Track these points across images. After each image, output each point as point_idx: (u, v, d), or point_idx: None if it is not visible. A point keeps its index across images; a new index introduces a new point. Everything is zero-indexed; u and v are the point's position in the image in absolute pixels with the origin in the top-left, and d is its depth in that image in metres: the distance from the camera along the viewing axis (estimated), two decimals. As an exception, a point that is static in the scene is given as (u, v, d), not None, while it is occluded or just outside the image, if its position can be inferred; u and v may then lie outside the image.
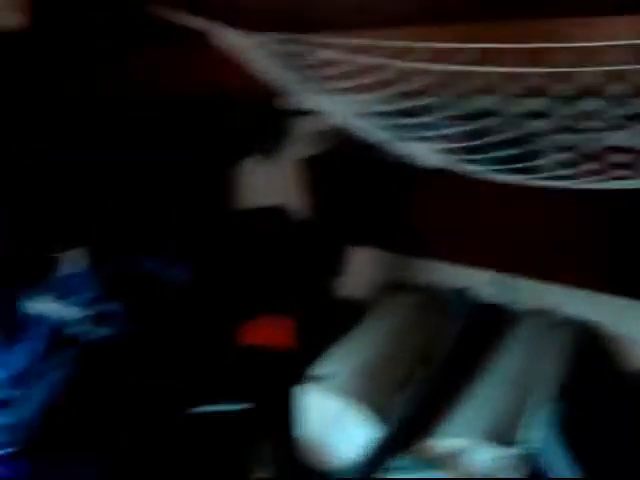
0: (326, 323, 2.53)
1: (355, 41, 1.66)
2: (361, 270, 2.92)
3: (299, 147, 2.93)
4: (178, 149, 2.89)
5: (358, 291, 2.85)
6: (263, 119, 2.89)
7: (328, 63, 1.75)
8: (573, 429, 2.09)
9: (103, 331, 2.24)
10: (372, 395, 2.21)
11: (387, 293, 2.83)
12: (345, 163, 2.86)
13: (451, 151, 1.88)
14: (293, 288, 2.61)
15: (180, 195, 2.87)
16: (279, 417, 2.20)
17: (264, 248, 2.71)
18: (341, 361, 2.33)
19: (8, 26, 2.80)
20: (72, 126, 2.87)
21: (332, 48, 1.71)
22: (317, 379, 2.23)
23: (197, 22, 2.39)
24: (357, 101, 1.84)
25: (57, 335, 2.22)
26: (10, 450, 2.04)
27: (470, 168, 1.94)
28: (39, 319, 2.29)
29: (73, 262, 2.63)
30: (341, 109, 2.00)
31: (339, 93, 1.84)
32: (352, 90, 1.77)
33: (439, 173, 2.34)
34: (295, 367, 2.33)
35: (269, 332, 2.49)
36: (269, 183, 2.97)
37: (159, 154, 2.82)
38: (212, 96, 2.85)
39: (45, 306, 2.33)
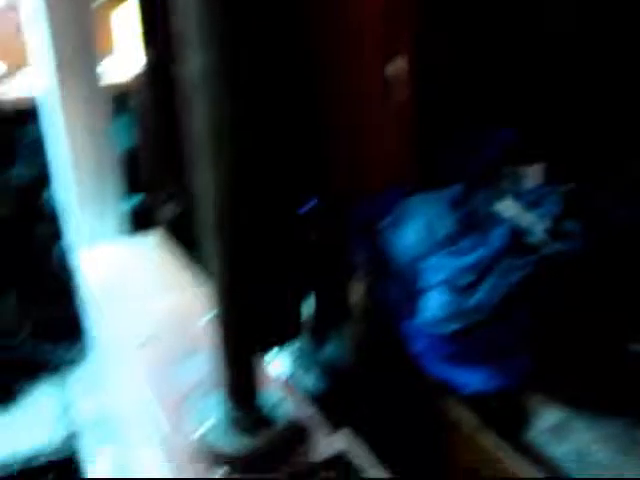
0: None
1: None
2: None
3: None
4: None
5: None
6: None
7: None
8: None
9: (558, 246, 2.38)
10: None
11: None
12: None
13: None
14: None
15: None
16: None
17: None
18: None
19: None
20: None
21: None
22: None
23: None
24: None
25: (518, 239, 2.44)
26: (460, 328, 2.22)
27: None
28: (504, 220, 2.54)
29: (534, 176, 2.86)
30: None
31: None
32: None
33: None
34: None
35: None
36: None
37: None
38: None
39: (511, 210, 2.62)
